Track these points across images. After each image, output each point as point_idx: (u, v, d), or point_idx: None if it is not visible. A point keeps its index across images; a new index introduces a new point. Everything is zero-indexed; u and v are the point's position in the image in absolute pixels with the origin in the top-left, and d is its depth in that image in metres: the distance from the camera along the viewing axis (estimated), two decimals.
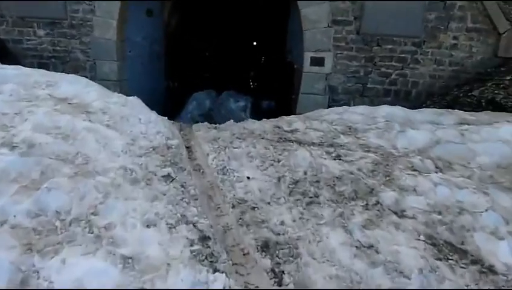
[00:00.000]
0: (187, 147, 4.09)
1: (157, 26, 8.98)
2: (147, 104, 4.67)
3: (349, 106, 6.99)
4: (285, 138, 4.12)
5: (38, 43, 7.36)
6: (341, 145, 3.90)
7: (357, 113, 4.51)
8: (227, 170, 3.56)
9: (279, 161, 3.66)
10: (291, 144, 3.96)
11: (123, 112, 3.97)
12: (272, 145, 3.96)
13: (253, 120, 4.84)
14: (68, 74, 4.75)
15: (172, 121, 5.00)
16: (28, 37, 7.29)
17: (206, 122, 5.47)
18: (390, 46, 6.71)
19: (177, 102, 9.84)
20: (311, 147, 3.88)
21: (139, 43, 8.30)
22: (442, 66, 6.68)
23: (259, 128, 4.39)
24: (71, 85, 4.16)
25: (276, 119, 5.05)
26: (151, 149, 3.55)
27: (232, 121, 4.95)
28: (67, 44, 7.32)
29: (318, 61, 6.87)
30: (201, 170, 3.65)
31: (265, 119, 4.88)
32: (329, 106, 7.04)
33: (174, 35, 9.96)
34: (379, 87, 6.94)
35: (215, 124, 7.51)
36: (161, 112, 4.67)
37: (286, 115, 5.07)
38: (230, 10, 10.56)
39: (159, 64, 9.28)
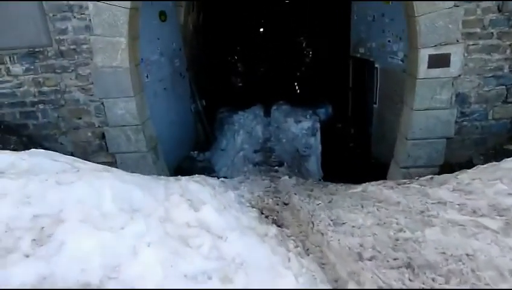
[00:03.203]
0: None
1: (174, 33, 6.59)
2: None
3: (488, 118, 4.77)
4: None
5: (16, 85, 4.99)
6: None
7: None
8: None
9: None
10: None
11: None
12: None
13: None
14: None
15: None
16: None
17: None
18: None
19: (212, 129, 7.53)
20: None
21: (157, 62, 5.95)
22: None
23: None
24: None
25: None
26: None
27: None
28: (57, 81, 4.96)
29: (441, 61, 4.53)
30: None
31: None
32: (456, 123, 4.79)
33: (196, 41, 7.56)
34: None
35: (280, 165, 5.32)
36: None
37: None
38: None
39: (184, 84, 6.91)
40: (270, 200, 3.73)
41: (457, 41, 4.45)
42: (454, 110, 4.74)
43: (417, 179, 3.78)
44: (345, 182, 5.63)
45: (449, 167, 4.99)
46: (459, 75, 4.59)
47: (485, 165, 3.48)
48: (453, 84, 4.63)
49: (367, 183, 3.97)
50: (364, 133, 6.79)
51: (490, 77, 4.61)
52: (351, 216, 2.82)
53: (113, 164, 5.09)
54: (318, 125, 6.37)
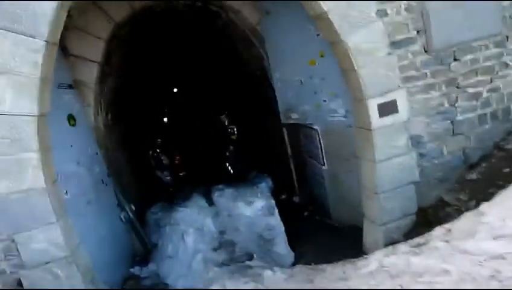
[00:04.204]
0: None
1: (87, 136, 5.71)
2: None
3: (443, 154, 4.75)
4: None
5: None
6: None
7: None
8: None
9: None
10: None
11: None
12: None
13: None
14: None
15: None
16: None
17: None
18: (470, 56, 4.67)
19: (148, 236, 6.46)
20: None
21: (75, 173, 4.94)
22: None
23: None
24: None
25: None
26: None
27: None
28: None
29: (389, 108, 4.47)
30: None
31: None
32: (418, 166, 4.67)
33: (110, 141, 6.68)
34: (471, 116, 4.79)
35: (250, 258, 4.70)
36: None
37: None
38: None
39: (108, 192, 5.89)
40: None
41: (399, 86, 4.46)
42: (413, 154, 4.63)
43: (432, 230, 3.37)
44: (324, 258, 5.09)
45: (424, 211, 4.79)
46: (408, 118, 4.56)
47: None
48: (405, 128, 4.56)
49: (371, 255, 3.44)
50: (318, 197, 6.42)
51: (435, 114, 4.67)
52: None
53: None
54: (273, 202, 5.82)
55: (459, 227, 3.31)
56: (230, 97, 9.37)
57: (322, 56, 5.23)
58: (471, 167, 4.86)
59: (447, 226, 3.35)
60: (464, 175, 4.81)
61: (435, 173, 4.78)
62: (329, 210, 6.02)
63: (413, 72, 4.52)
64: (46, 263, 3.88)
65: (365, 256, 3.47)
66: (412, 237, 4.71)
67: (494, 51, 4.72)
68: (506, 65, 4.79)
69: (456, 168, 4.83)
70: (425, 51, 4.53)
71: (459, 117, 4.75)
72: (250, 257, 4.70)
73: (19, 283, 3.91)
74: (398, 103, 4.48)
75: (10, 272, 3.88)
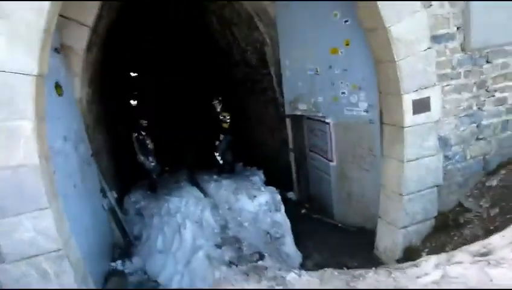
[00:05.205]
0: None
1: (73, 109, 4.96)
2: None
3: (466, 158, 4.60)
4: None
5: None
6: None
7: None
8: None
9: None
10: None
11: None
12: None
13: None
14: None
15: None
16: None
17: None
18: (502, 60, 4.53)
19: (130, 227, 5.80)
20: None
21: (62, 150, 4.21)
22: None
23: None
24: None
25: None
26: None
27: None
28: None
29: (423, 105, 4.21)
30: None
31: None
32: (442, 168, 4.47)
33: (94, 118, 5.92)
34: (495, 121, 4.67)
35: (261, 258, 4.41)
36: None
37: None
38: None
39: (93, 175, 5.17)
40: None
41: (435, 84, 4.20)
42: (440, 156, 4.41)
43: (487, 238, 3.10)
44: (332, 260, 4.76)
45: (443, 216, 4.61)
46: (439, 119, 4.33)
47: None
48: (435, 128, 4.33)
49: (417, 262, 3.13)
50: (319, 195, 6.09)
51: (464, 116, 4.48)
52: None
53: None
54: (279, 197, 5.39)
55: None
56: (223, 84, 8.80)
57: (347, 45, 4.86)
58: (490, 173, 4.74)
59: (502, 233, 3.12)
60: (483, 181, 4.68)
61: (456, 176, 4.61)
62: (333, 209, 5.70)
63: (448, 70, 4.30)
64: (33, 256, 3.19)
65: (412, 263, 3.16)
66: (431, 243, 4.55)
67: None
68: None
69: (476, 173, 4.69)
70: (462, 50, 4.31)
71: (485, 121, 4.61)
72: (261, 257, 4.24)
73: None
74: (431, 101, 4.23)
75: None
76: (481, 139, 4.64)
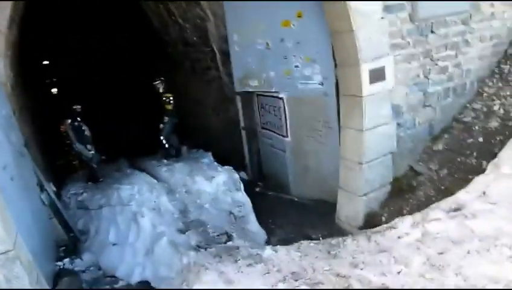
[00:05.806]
0: None
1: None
2: None
3: (415, 125, 4.85)
4: None
5: None
6: None
7: None
8: None
9: None
10: None
11: None
12: None
13: None
14: None
15: None
16: None
17: None
18: (444, 30, 4.79)
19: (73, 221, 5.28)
20: None
21: None
22: (485, 42, 5.24)
23: None
24: None
25: None
26: None
27: None
28: None
29: (378, 74, 4.31)
30: None
31: None
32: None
33: (16, 100, 5.21)
34: (439, 89, 4.96)
35: (229, 239, 4.40)
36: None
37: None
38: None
39: (27, 166, 4.57)
40: None
41: (388, 53, 4.32)
42: (394, 123, 4.59)
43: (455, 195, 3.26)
44: (297, 234, 4.77)
45: (398, 181, 4.83)
46: (392, 87, 4.48)
47: None
48: (389, 97, 4.47)
49: (392, 224, 3.21)
50: (272, 172, 6.06)
51: (413, 85, 4.69)
52: None
53: None
54: (236, 176, 5.22)
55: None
56: (163, 65, 8.28)
57: (299, 17, 4.79)
58: (435, 138, 5.05)
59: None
60: (430, 146, 4.98)
61: (407, 143, 4.83)
62: (289, 185, 5.71)
63: (399, 40, 4.44)
64: None
65: (388, 225, 3.23)
66: (389, 207, 4.75)
67: (461, 27, 4.92)
68: (467, 42, 5.05)
69: (423, 139, 4.97)
70: (411, 20, 4.47)
71: (430, 89, 4.87)
72: (230, 237, 4.10)
73: None
74: (386, 70, 4.35)
75: None
76: (427, 106, 4.91)
